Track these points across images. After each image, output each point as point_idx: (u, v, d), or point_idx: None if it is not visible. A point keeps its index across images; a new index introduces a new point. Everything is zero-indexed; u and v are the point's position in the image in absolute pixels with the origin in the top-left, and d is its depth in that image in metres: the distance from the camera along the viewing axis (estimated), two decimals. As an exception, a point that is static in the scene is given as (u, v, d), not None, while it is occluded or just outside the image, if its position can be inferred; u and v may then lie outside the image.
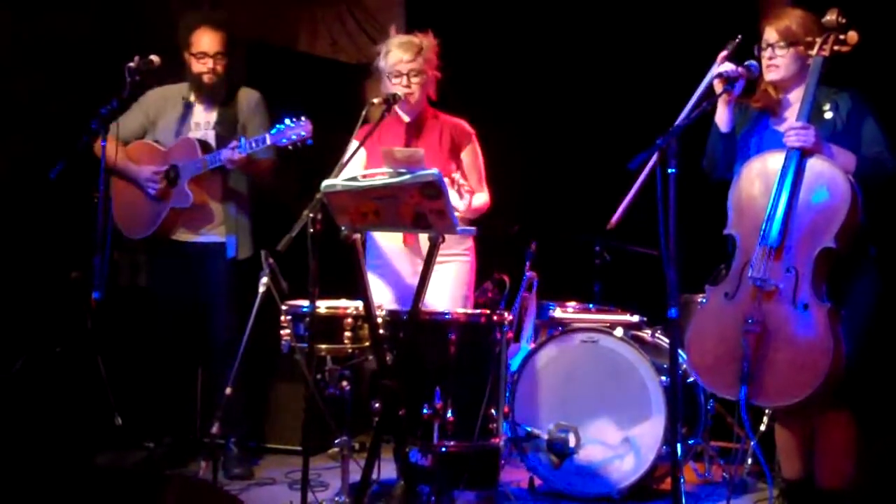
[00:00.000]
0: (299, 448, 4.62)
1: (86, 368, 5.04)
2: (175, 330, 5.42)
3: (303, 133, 4.92)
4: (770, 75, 4.27)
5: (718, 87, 4.24)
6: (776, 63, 4.24)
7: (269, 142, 5.00)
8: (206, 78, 5.32)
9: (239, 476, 5.25)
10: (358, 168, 4.71)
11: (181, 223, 5.34)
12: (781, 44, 4.22)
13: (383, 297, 4.75)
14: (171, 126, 5.38)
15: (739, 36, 4.35)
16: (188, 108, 5.41)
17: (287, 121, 4.96)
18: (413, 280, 4.56)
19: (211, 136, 5.33)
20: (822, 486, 4.23)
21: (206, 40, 5.31)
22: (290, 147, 4.97)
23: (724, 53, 4.35)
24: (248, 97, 5.43)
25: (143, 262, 6.19)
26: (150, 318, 5.54)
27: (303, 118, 4.94)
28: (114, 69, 5.12)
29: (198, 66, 5.31)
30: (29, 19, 6.31)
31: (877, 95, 4.25)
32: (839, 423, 4.17)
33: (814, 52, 4.16)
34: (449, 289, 4.85)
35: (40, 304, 5.91)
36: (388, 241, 4.85)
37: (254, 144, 5.05)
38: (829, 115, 4.18)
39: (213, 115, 5.39)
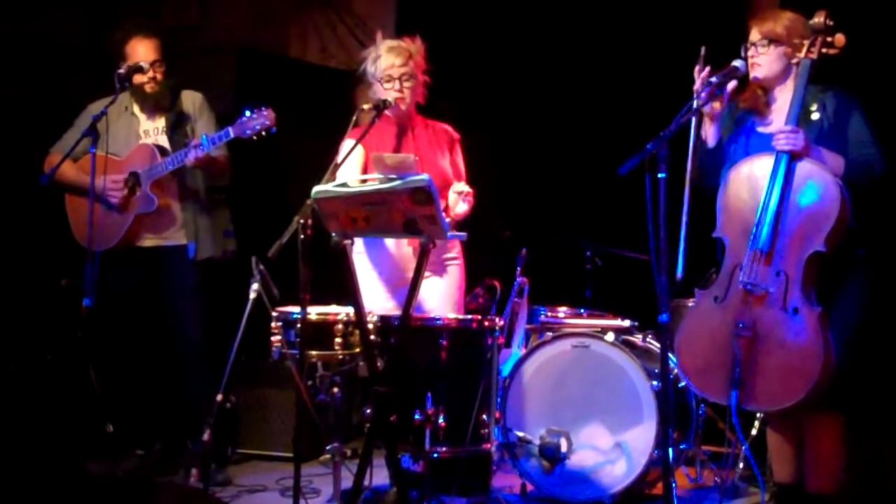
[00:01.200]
0: (290, 455, 4.60)
1: (76, 376, 5.03)
2: (147, 338, 5.38)
3: (266, 122, 4.93)
4: (754, 74, 4.28)
5: (699, 106, 4.23)
6: (758, 62, 4.25)
7: (232, 135, 5.00)
8: (147, 88, 5.30)
9: (222, 483, 5.24)
10: (356, 167, 4.71)
11: (145, 229, 5.31)
12: (764, 42, 4.23)
13: (384, 302, 4.74)
14: (121, 137, 5.32)
15: (704, 48, 4.32)
16: (133, 118, 5.38)
17: (247, 112, 4.96)
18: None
19: (164, 142, 5.31)
20: (811, 490, 4.23)
21: (141, 50, 5.27)
22: (254, 137, 4.97)
23: (697, 68, 4.32)
24: (192, 99, 5.43)
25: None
26: (121, 328, 5.45)
27: (264, 108, 4.94)
28: (105, 74, 5.12)
29: (138, 77, 5.26)
30: (18, 23, 6.30)
31: (866, 97, 4.26)
32: (828, 427, 4.17)
33: (802, 54, 4.17)
34: (446, 293, 4.87)
35: (31, 312, 5.90)
36: (397, 248, 4.83)
37: (217, 140, 5.05)
38: (816, 115, 4.19)
39: (160, 121, 5.37)
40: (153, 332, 5.39)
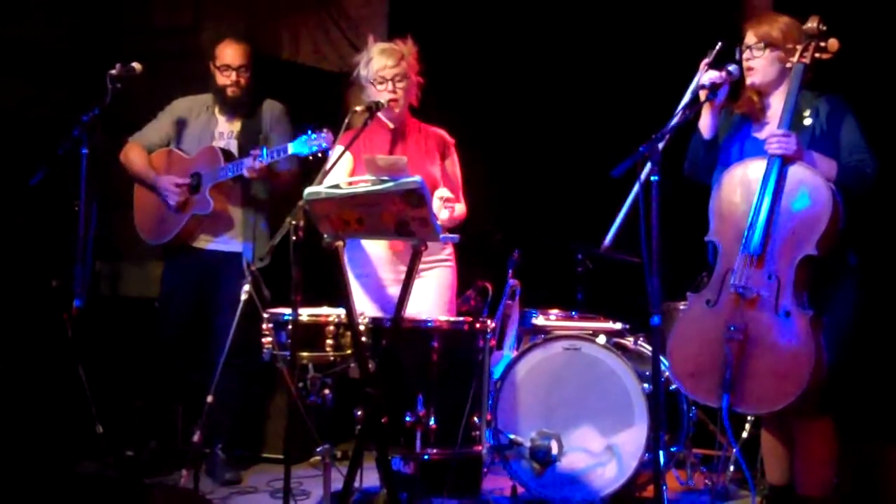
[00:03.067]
0: (281, 456, 4.59)
1: (67, 377, 5.02)
2: (181, 335, 5.47)
3: (323, 144, 4.95)
4: (750, 78, 4.29)
5: (703, 96, 4.26)
6: (753, 65, 4.26)
7: (290, 151, 5.04)
8: (229, 91, 5.41)
9: (231, 481, 5.28)
10: (343, 174, 4.71)
11: (201, 230, 5.41)
12: (759, 45, 4.25)
13: (365, 306, 4.74)
14: (196, 135, 5.46)
15: (720, 43, 4.37)
16: (212, 118, 5.48)
17: (309, 132, 4.99)
18: (396, 287, 4.56)
19: (233, 146, 5.41)
20: (802, 493, 4.23)
21: (229, 53, 5.41)
22: (310, 157, 5.00)
23: (705, 61, 4.37)
24: (271, 108, 5.53)
25: (125, 270, 6.19)
26: (157, 323, 5.56)
27: (324, 130, 4.97)
28: (95, 76, 5.11)
29: (222, 79, 5.41)
30: (8, 25, 6.29)
31: (859, 102, 4.27)
32: (819, 430, 4.18)
33: (795, 58, 4.18)
34: (436, 295, 4.86)
35: (21, 312, 5.88)
36: (375, 248, 4.84)
37: (275, 154, 5.11)
38: (808, 121, 4.20)
39: (236, 126, 5.47)
40: (191, 330, 5.47)
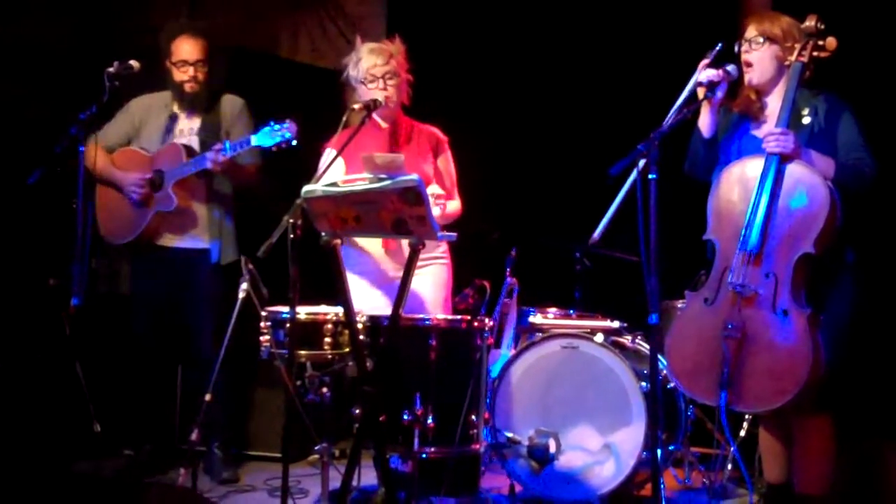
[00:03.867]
0: (279, 455, 4.59)
1: (64, 375, 5.01)
2: (155, 335, 5.42)
3: (287, 135, 4.92)
4: (748, 76, 4.29)
5: (701, 93, 4.27)
6: (751, 59, 4.27)
7: (253, 143, 5.00)
8: (187, 86, 5.35)
9: (228, 480, 5.28)
10: (337, 177, 4.70)
11: (165, 227, 5.35)
12: (759, 39, 4.26)
13: (366, 301, 4.73)
14: (156, 133, 5.40)
15: (721, 43, 4.37)
16: (172, 115, 5.42)
17: (271, 123, 4.95)
18: (394, 284, 4.55)
19: (195, 142, 5.35)
20: (800, 491, 4.23)
21: (186, 48, 5.33)
22: (274, 149, 4.97)
23: (705, 61, 4.36)
24: (231, 103, 5.46)
25: (122, 268, 6.17)
26: (129, 324, 5.52)
27: (287, 121, 4.94)
28: (93, 74, 5.10)
29: (179, 75, 5.34)
30: (6, 24, 6.28)
31: (857, 99, 4.27)
32: (817, 428, 4.18)
33: (793, 57, 4.19)
34: (431, 292, 4.87)
35: (19, 311, 5.88)
36: (369, 245, 4.84)
37: (238, 147, 5.05)
38: (807, 119, 4.20)
39: (196, 122, 5.41)
40: (165, 329, 5.43)
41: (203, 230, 5.35)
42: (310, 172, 4.38)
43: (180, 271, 5.37)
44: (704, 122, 4.37)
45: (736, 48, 4.31)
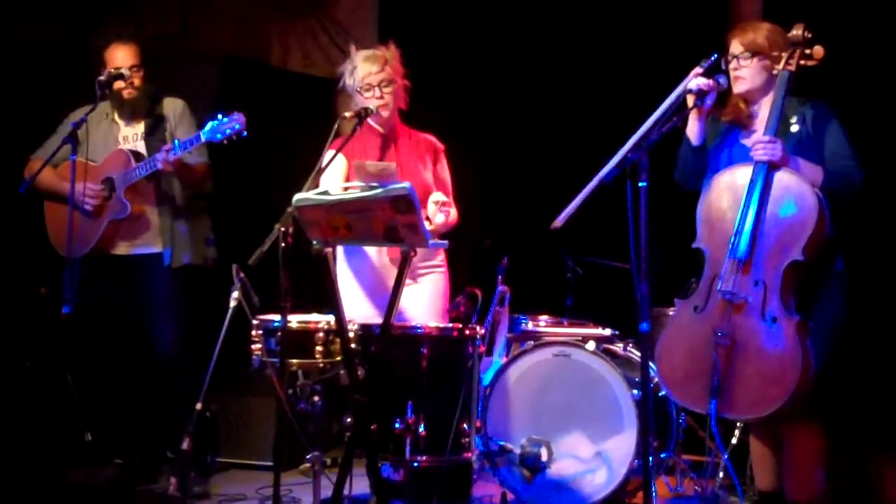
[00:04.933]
0: (270, 463, 4.59)
1: (55, 384, 5.00)
2: (125, 346, 5.37)
3: (237, 126, 4.91)
4: (737, 87, 4.31)
5: (690, 101, 4.28)
6: (741, 74, 4.28)
7: (203, 139, 4.98)
8: (125, 93, 5.29)
9: (199, 495, 5.20)
10: (339, 177, 4.71)
11: (119, 236, 5.29)
12: (746, 54, 4.27)
13: (368, 310, 4.73)
14: (100, 143, 5.32)
15: (715, 54, 4.37)
16: (113, 124, 5.37)
17: (219, 116, 4.94)
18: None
19: (141, 148, 5.30)
20: (790, 498, 4.24)
21: (119, 55, 5.27)
22: (225, 142, 4.95)
23: (698, 70, 4.36)
24: (173, 105, 5.41)
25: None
26: (99, 336, 5.43)
27: (235, 113, 4.93)
28: (84, 82, 5.10)
29: (117, 84, 5.26)
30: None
31: (844, 107, 4.28)
32: (806, 435, 4.18)
33: (780, 66, 4.20)
34: (430, 301, 4.86)
35: (9, 320, 5.86)
36: (376, 255, 4.82)
37: (188, 145, 5.02)
38: (795, 127, 4.21)
39: (139, 127, 5.36)
40: (130, 341, 5.37)
41: (155, 236, 5.30)
42: (302, 180, 4.37)
43: (136, 279, 5.32)
44: (693, 130, 4.38)
45: (723, 64, 4.31)
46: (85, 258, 5.25)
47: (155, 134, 5.33)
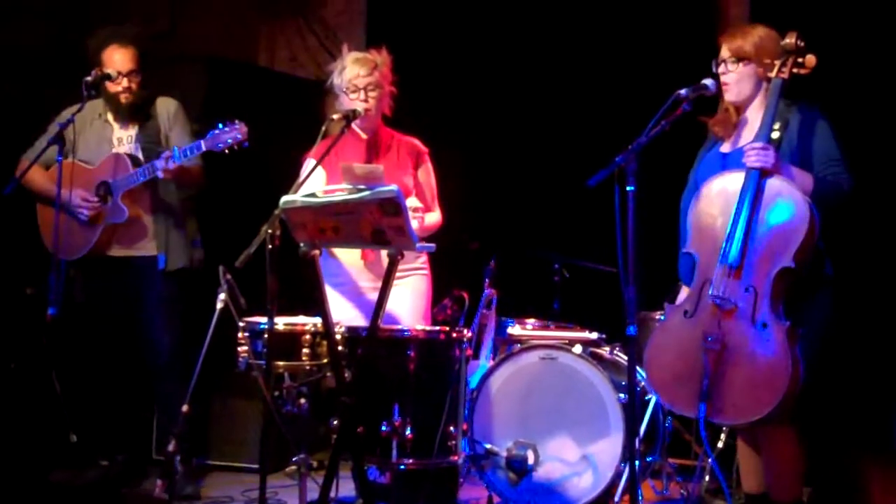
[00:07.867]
0: (256, 466, 4.57)
1: (41, 385, 4.98)
2: (115, 348, 5.34)
3: (238, 136, 4.89)
4: (727, 95, 4.30)
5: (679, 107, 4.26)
6: (727, 79, 4.28)
7: (204, 148, 4.96)
8: (122, 98, 5.24)
9: (190, 496, 5.20)
10: (317, 187, 4.69)
11: (115, 239, 5.26)
12: (732, 59, 4.26)
13: (344, 312, 4.73)
14: (92, 144, 5.28)
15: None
16: (106, 125, 5.33)
17: (220, 125, 4.93)
18: (373, 295, 4.55)
19: (136, 150, 5.27)
20: (775, 500, 4.25)
21: (117, 59, 5.21)
22: (226, 151, 4.94)
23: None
24: (167, 106, 5.37)
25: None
26: (89, 338, 5.42)
27: (237, 121, 4.91)
28: (70, 83, 5.07)
29: (113, 86, 5.22)
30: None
31: (832, 113, 4.28)
32: (783, 439, 4.18)
33: (773, 74, 4.19)
34: (411, 303, 4.85)
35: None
36: (348, 257, 4.83)
37: (188, 152, 4.99)
38: (776, 134, 4.20)
39: (133, 130, 5.32)
40: (121, 343, 5.34)
41: (150, 240, 5.27)
42: (289, 181, 4.36)
43: (131, 281, 5.29)
44: None
45: (713, 67, 4.31)
46: (80, 260, 5.24)
47: (150, 137, 5.29)
